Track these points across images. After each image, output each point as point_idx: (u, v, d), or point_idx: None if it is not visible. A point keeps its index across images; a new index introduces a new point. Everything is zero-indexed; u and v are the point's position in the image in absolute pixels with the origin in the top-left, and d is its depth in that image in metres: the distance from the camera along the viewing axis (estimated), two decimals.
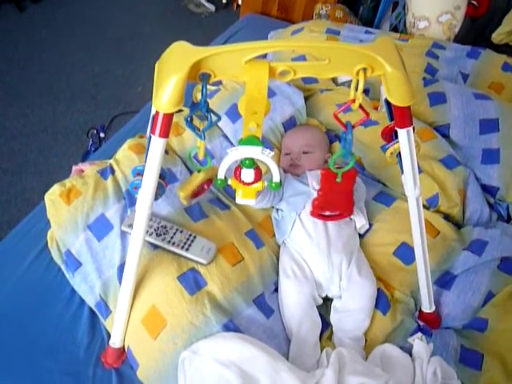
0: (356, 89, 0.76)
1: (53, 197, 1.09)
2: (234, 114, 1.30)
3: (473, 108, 1.34)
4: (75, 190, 1.09)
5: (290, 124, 1.34)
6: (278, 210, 1.16)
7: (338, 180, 0.89)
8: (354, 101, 0.78)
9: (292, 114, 1.35)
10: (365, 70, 0.76)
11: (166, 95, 0.72)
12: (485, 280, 1.10)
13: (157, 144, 0.78)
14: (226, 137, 1.30)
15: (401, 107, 0.79)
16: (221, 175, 0.85)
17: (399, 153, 0.89)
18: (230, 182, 0.87)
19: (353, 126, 0.81)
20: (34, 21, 2.90)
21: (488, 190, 1.29)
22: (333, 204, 1.00)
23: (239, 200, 0.88)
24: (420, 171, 1.21)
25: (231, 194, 1.18)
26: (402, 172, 0.91)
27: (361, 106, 0.78)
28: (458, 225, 1.23)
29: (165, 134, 0.76)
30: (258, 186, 0.86)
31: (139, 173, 0.87)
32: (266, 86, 0.74)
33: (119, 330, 0.94)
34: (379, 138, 1.12)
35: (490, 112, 1.32)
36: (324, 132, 1.35)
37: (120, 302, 0.93)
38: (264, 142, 1.24)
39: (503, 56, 1.63)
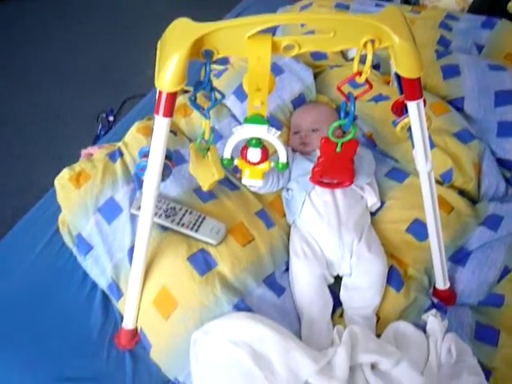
0: (362, 62, 0.74)
1: (62, 181, 1.09)
2: (241, 93, 1.28)
3: (487, 80, 1.30)
4: (84, 174, 1.09)
5: (299, 101, 1.32)
6: (288, 189, 1.14)
7: (338, 150, 0.86)
8: (359, 73, 0.76)
9: (301, 91, 1.32)
10: (372, 41, 0.74)
11: (168, 74, 0.71)
12: (501, 255, 1.08)
13: (161, 124, 0.77)
14: (234, 117, 1.29)
15: (410, 79, 0.77)
16: (227, 155, 0.84)
17: (410, 127, 0.87)
18: (236, 161, 0.87)
19: (355, 98, 0.79)
20: (42, 6, 2.89)
21: (504, 164, 1.25)
22: (332, 172, 0.96)
23: (245, 180, 0.86)
24: (433, 146, 1.18)
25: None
26: (413, 146, 0.89)
27: (366, 79, 0.76)
28: (473, 200, 1.20)
29: (168, 113, 0.75)
30: (265, 166, 0.85)
31: (145, 154, 0.86)
32: (268, 61, 0.72)
33: (131, 311, 0.94)
34: (391, 113, 1.10)
35: (506, 83, 1.28)
36: (333, 109, 1.32)
37: (131, 284, 0.93)
38: (272, 121, 1.25)
39: None
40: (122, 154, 1.14)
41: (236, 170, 1.10)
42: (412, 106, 0.81)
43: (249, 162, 0.85)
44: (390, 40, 0.72)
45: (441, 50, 1.44)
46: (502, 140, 1.25)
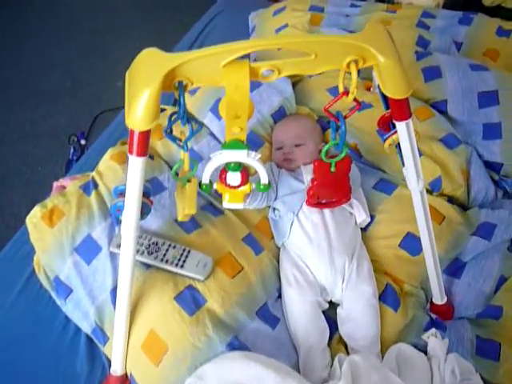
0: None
1: (34, 220, 1.02)
2: (218, 109, 1.22)
3: (470, 81, 1.26)
4: (57, 211, 1.02)
5: (279, 115, 1.27)
6: (274, 209, 1.10)
7: (332, 170, 0.85)
8: (346, 93, 0.72)
9: (281, 103, 1.27)
10: (356, 61, 0.70)
11: (139, 111, 0.65)
12: (496, 264, 1.06)
13: (135, 164, 0.72)
14: (213, 135, 1.23)
15: (398, 99, 0.73)
16: (205, 180, 0.81)
17: (398, 143, 0.83)
18: (215, 186, 0.82)
19: (344, 117, 0.76)
20: (5, 20, 2.77)
21: (492, 167, 1.23)
22: (329, 192, 0.95)
23: (226, 204, 0.84)
24: (420, 154, 1.14)
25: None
26: (403, 164, 0.85)
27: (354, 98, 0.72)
28: (463, 206, 1.17)
29: (142, 152, 0.70)
30: (246, 188, 0.82)
31: (121, 193, 0.81)
32: (247, 89, 0.67)
33: (119, 357, 0.89)
34: (374, 121, 1.05)
35: (489, 84, 1.25)
36: (316, 120, 1.28)
37: (116, 328, 0.87)
38: (252, 136, 1.20)
39: (496, 20, 1.55)
40: (96, 186, 1.08)
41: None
42: (401, 126, 0.77)
43: (229, 185, 0.82)
44: (374, 59, 0.69)
45: (420, 50, 1.40)
46: (488, 142, 1.23)
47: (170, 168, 1.16)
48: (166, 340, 0.87)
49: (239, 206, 0.84)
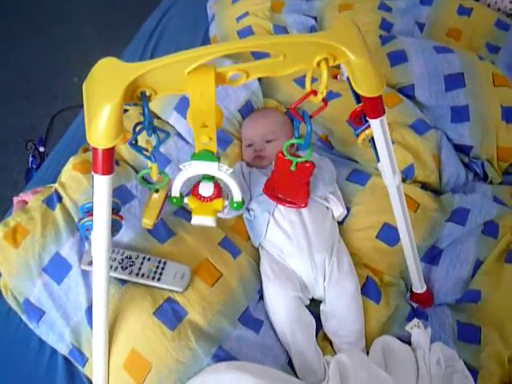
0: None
1: None
2: (184, 107, 1.18)
3: (436, 64, 1.26)
4: (21, 229, 0.96)
5: (246, 110, 1.23)
6: (249, 209, 1.07)
7: (293, 168, 0.81)
8: (314, 92, 0.70)
9: (247, 98, 1.23)
10: (326, 59, 0.67)
11: (101, 128, 0.61)
12: (471, 248, 1.07)
13: (101, 182, 0.67)
14: (180, 135, 1.18)
15: (371, 97, 0.71)
16: (175, 193, 0.77)
17: (372, 137, 0.82)
18: (186, 200, 0.79)
19: (310, 116, 0.73)
20: None
21: (461, 149, 1.23)
22: (285, 190, 0.90)
23: (196, 218, 0.78)
24: (392, 142, 1.14)
25: None
26: (378, 160, 0.84)
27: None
28: (436, 191, 1.18)
29: (108, 170, 0.66)
30: (218, 204, 0.78)
31: (89, 211, 0.77)
32: (213, 96, 0.64)
33: (100, 379, 0.86)
34: (343, 111, 1.03)
35: (454, 66, 1.24)
36: (284, 113, 1.25)
37: (95, 349, 0.84)
38: (221, 134, 1.16)
39: None
40: (60, 199, 1.02)
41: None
42: (375, 123, 0.75)
43: (201, 196, 0.78)
44: (345, 56, 0.66)
45: (384, 34, 1.39)
46: (456, 125, 1.22)
47: (137, 173, 1.11)
48: (149, 358, 0.84)
49: (210, 221, 0.78)
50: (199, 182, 0.78)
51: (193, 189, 0.79)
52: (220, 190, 0.78)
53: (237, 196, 0.77)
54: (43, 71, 2.31)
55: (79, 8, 2.66)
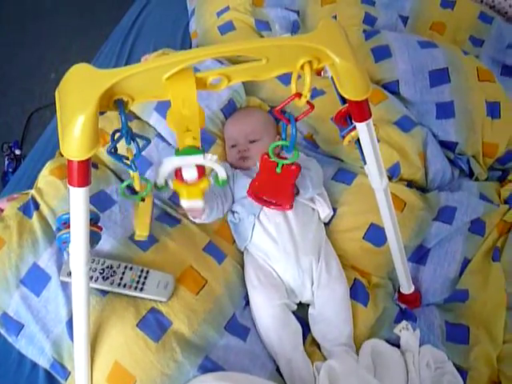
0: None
1: None
2: (164, 108, 1.14)
3: (420, 59, 1.24)
4: None
5: (229, 109, 1.20)
6: (233, 212, 1.04)
7: (278, 171, 0.81)
8: (299, 95, 0.68)
9: (229, 96, 1.20)
10: (310, 62, 0.65)
11: (75, 139, 0.58)
12: (458, 247, 1.06)
13: (77, 195, 0.65)
14: (160, 136, 1.15)
15: (356, 101, 0.68)
16: (160, 182, 0.72)
17: (358, 139, 0.80)
18: (171, 185, 0.76)
19: (296, 119, 0.73)
20: None
21: (447, 146, 1.22)
22: (270, 191, 0.88)
23: (184, 202, 0.74)
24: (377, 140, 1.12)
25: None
26: (365, 162, 0.82)
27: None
28: (422, 189, 1.16)
29: (84, 182, 0.64)
30: (204, 183, 0.75)
31: (66, 222, 0.73)
32: (194, 101, 0.62)
33: None
34: (328, 109, 1.01)
35: (439, 61, 1.23)
36: (268, 111, 1.22)
37: (77, 363, 0.81)
38: (204, 134, 1.13)
39: None
40: (37, 206, 0.98)
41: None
42: (361, 126, 0.73)
43: (186, 181, 0.75)
44: (329, 59, 0.64)
45: (368, 29, 1.36)
46: (441, 122, 1.21)
47: (118, 178, 1.08)
48: (133, 371, 0.81)
49: (198, 203, 0.74)
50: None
51: (176, 173, 0.75)
52: (203, 170, 0.75)
53: (221, 173, 0.73)
54: (19, 67, 2.24)
55: (55, 2, 2.58)
